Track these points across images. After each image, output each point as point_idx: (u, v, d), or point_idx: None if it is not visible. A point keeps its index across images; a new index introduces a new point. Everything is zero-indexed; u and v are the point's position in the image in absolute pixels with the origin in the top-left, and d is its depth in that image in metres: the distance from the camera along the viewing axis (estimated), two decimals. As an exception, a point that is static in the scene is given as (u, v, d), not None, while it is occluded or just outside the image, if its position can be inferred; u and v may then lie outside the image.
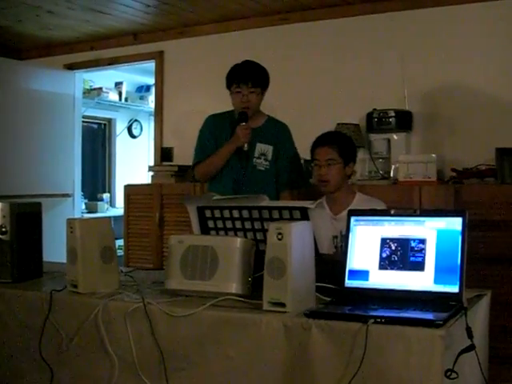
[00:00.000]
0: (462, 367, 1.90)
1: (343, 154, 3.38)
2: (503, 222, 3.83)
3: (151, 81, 6.92)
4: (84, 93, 6.88)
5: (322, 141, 3.44)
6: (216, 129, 3.88)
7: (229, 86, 3.78)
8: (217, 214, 2.62)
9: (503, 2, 4.40)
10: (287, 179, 3.88)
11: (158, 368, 2.20)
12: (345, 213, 2.74)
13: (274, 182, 3.84)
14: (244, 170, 3.79)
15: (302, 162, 4.12)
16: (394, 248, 2.22)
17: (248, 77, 3.72)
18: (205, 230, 2.66)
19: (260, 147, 3.82)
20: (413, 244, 2.20)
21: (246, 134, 3.71)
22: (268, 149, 3.83)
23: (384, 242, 2.24)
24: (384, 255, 2.23)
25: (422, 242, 2.19)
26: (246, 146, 3.73)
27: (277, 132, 3.88)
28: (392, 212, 2.32)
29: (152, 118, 6.69)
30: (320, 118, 4.85)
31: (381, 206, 3.26)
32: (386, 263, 2.22)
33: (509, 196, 3.87)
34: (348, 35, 4.98)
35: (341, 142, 3.43)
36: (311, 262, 2.19)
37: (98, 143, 8.27)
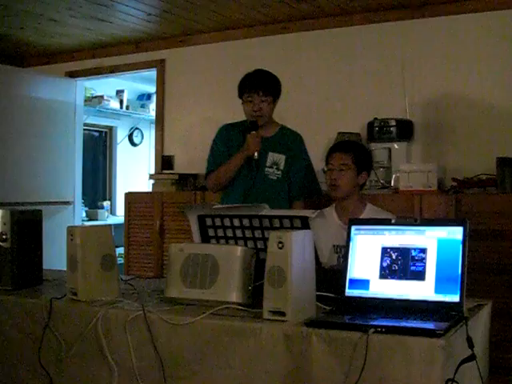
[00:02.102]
0: (462, 377, 1.90)
1: (357, 162, 3.41)
2: (504, 231, 3.83)
3: (152, 89, 6.94)
4: (85, 100, 6.89)
5: (339, 147, 3.52)
6: (229, 138, 3.87)
7: (240, 96, 3.77)
8: (217, 222, 2.62)
9: (505, 13, 4.41)
10: (300, 189, 3.87)
11: (158, 376, 2.19)
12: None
13: (286, 191, 3.82)
14: (253, 179, 3.78)
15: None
16: (394, 257, 2.22)
17: (259, 86, 3.70)
18: (205, 239, 2.65)
19: (272, 156, 3.80)
20: (413, 253, 2.19)
21: (256, 142, 3.69)
22: (280, 158, 3.81)
23: (384, 251, 2.24)
24: (384, 264, 2.23)
25: (423, 251, 2.18)
26: (255, 155, 3.71)
27: (290, 141, 3.87)
28: (392, 221, 2.32)
29: (153, 126, 6.69)
30: (321, 126, 4.86)
31: None
32: (386, 272, 2.22)
33: (509, 205, 3.86)
34: (349, 45, 4.99)
35: (356, 150, 3.48)
36: (312, 271, 2.18)
37: (98, 151, 8.28)
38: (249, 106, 3.73)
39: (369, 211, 3.42)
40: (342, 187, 3.39)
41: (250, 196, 3.72)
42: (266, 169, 3.80)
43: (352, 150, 3.46)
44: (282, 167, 3.81)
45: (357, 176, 3.42)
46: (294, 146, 3.87)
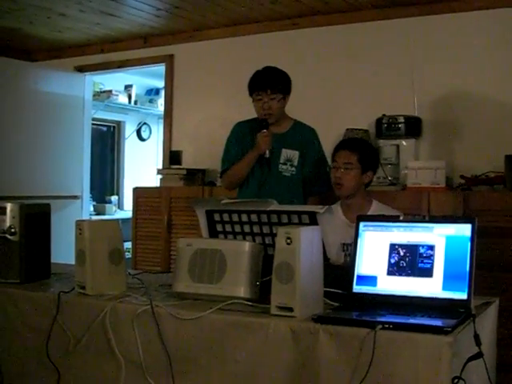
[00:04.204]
0: (469, 375, 1.90)
1: (362, 161, 3.38)
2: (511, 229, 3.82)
3: (161, 84, 6.95)
4: (94, 95, 6.91)
5: (344, 145, 3.48)
6: (242, 136, 3.86)
7: (251, 94, 3.76)
8: (225, 217, 2.61)
9: (514, 10, 4.40)
10: (315, 184, 3.86)
11: (165, 371, 2.20)
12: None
13: (301, 187, 3.82)
14: (265, 176, 3.77)
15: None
16: (402, 254, 2.22)
17: (267, 84, 3.69)
18: (213, 234, 2.65)
19: (286, 153, 3.80)
20: (421, 250, 2.19)
21: (267, 141, 3.69)
22: (294, 154, 3.80)
23: (393, 247, 2.24)
24: (392, 261, 2.23)
25: (431, 248, 2.18)
26: (267, 153, 3.71)
27: (303, 137, 3.86)
28: (401, 218, 2.32)
29: (161, 121, 6.70)
30: (329, 123, 4.84)
31: None
32: (394, 269, 2.22)
33: (517, 203, 3.86)
34: (358, 41, 4.98)
35: (362, 149, 3.44)
36: (320, 267, 2.18)
37: (107, 146, 8.30)
38: (259, 104, 3.72)
39: (375, 208, 3.39)
40: (346, 186, 3.36)
41: (263, 193, 3.69)
42: (280, 165, 3.79)
43: (358, 148, 3.43)
44: (295, 163, 3.80)
45: (361, 175, 3.39)
46: (308, 141, 3.86)
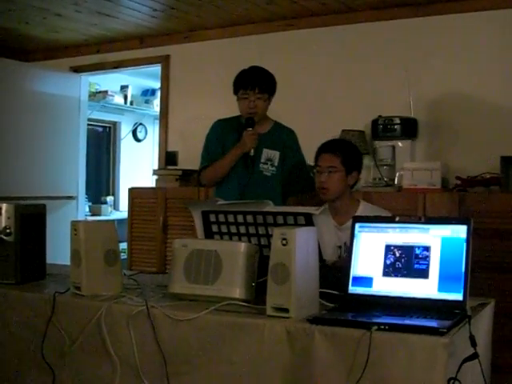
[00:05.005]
0: (464, 376, 1.90)
1: (346, 163, 3.30)
2: (507, 230, 3.82)
3: (157, 85, 6.92)
4: (89, 96, 6.89)
5: (326, 148, 3.38)
6: (223, 134, 3.88)
7: (236, 92, 3.78)
8: (221, 218, 2.62)
9: (510, 11, 4.39)
10: (294, 185, 3.88)
11: (160, 372, 2.19)
12: (349, 223, 2.56)
13: (280, 187, 3.84)
14: (249, 175, 3.79)
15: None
16: (398, 255, 2.22)
17: (254, 83, 3.71)
18: (209, 235, 2.66)
19: (266, 152, 3.82)
20: (417, 251, 2.19)
21: (253, 139, 3.72)
22: (275, 154, 3.83)
23: (388, 248, 2.24)
24: (388, 262, 2.23)
25: (427, 249, 2.18)
26: (252, 151, 3.74)
27: (284, 137, 3.88)
28: (396, 219, 2.32)
29: (157, 121, 6.69)
30: (325, 124, 4.85)
31: (386, 215, 3.23)
32: (390, 270, 2.22)
33: (513, 205, 3.86)
34: (354, 42, 4.99)
35: (345, 151, 3.35)
36: (315, 268, 2.19)
37: (102, 146, 8.28)
38: (244, 102, 3.74)
39: (363, 209, 3.32)
40: (330, 190, 3.29)
41: (245, 192, 3.73)
42: (261, 165, 3.82)
43: (340, 150, 3.33)
44: (276, 163, 3.83)
45: (346, 177, 3.32)
46: (288, 142, 3.89)
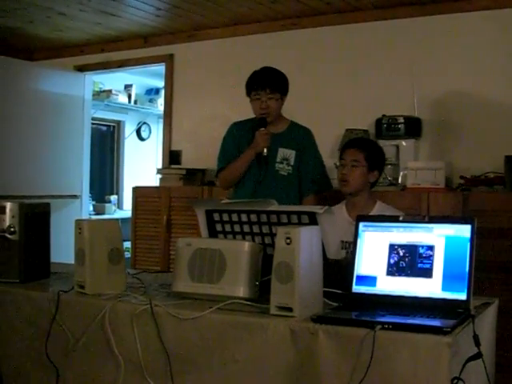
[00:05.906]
0: (468, 375, 1.90)
1: (369, 159, 3.47)
2: (511, 229, 3.82)
3: (161, 84, 6.94)
4: (93, 95, 6.90)
5: (352, 143, 3.59)
6: (239, 136, 3.89)
7: (248, 93, 3.80)
8: (225, 217, 2.61)
9: (514, 10, 4.40)
10: (310, 184, 3.88)
11: (164, 370, 2.19)
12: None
13: (297, 186, 3.85)
14: (263, 175, 3.79)
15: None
16: (402, 254, 2.22)
17: (266, 83, 3.72)
18: (213, 234, 2.65)
19: (282, 152, 3.83)
20: (421, 250, 2.19)
21: (265, 139, 3.72)
22: (291, 153, 3.83)
23: (392, 248, 2.24)
24: (392, 261, 2.23)
25: (431, 248, 2.18)
26: (265, 151, 3.74)
27: (300, 137, 3.89)
28: (401, 218, 2.32)
29: (161, 120, 6.70)
30: (329, 123, 4.85)
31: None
32: (393, 269, 2.22)
33: (517, 204, 3.86)
34: (358, 41, 4.99)
35: (369, 148, 3.54)
36: (319, 267, 2.19)
37: (106, 145, 8.29)
38: (257, 103, 3.76)
39: (379, 208, 3.45)
40: (351, 183, 3.44)
41: (260, 192, 3.74)
42: (277, 164, 3.82)
43: (365, 147, 3.52)
44: (292, 162, 3.83)
45: (368, 173, 3.46)
46: (304, 141, 3.89)
